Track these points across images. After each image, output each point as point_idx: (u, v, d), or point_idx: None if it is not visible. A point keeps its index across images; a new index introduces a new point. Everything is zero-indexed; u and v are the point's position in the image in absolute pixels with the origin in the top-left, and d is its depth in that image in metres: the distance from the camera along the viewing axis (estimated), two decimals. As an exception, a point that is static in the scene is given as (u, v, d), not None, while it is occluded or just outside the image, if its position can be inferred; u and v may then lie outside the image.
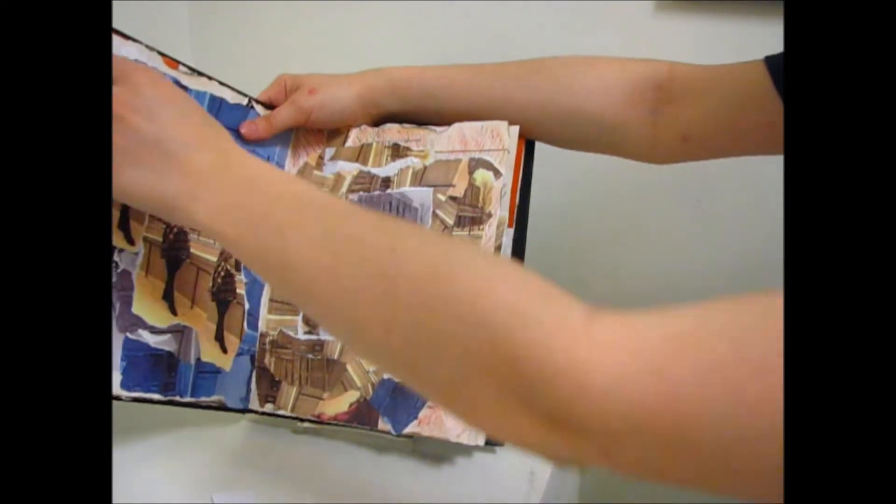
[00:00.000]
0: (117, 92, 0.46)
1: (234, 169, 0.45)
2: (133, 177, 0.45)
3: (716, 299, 0.34)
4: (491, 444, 0.57)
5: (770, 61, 0.54)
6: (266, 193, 0.44)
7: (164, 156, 0.45)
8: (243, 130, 0.63)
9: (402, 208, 0.61)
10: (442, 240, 0.45)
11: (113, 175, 0.45)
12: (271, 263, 0.43)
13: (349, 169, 0.64)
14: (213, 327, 0.61)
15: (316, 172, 0.65)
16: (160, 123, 0.46)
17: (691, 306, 0.34)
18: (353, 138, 0.65)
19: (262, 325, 0.64)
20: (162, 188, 0.45)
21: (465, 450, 0.58)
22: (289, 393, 0.62)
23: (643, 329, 0.33)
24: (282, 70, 0.67)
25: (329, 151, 0.66)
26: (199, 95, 0.61)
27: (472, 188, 0.59)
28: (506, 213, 0.59)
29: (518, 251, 0.59)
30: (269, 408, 0.63)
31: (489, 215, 0.58)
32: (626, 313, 0.34)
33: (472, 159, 0.60)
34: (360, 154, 0.64)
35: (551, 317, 0.34)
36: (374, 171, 0.63)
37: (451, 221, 0.59)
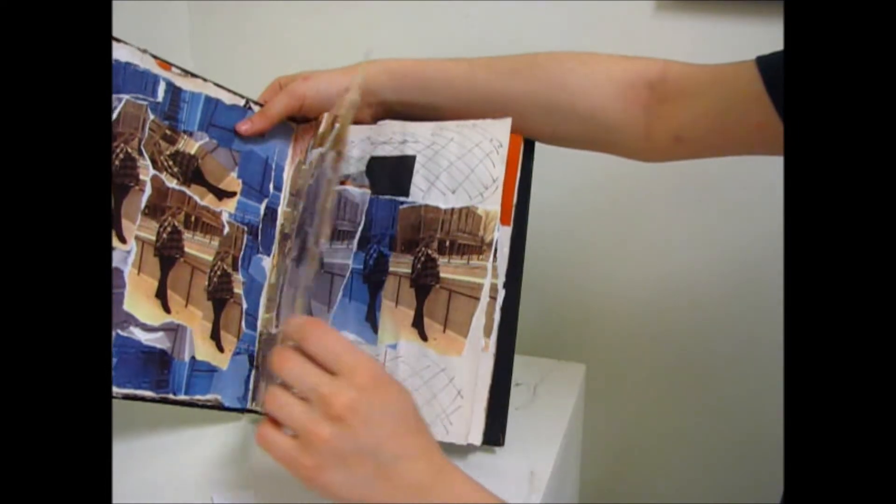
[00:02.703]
0: (340, 389, 0.45)
1: (439, 490, 0.45)
2: (339, 479, 0.45)
3: None
4: (490, 443, 0.57)
5: (761, 62, 0.54)
6: None
7: (377, 466, 0.45)
8: (241, 129, 0.63)
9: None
10: None
11: (312, 469, 0.45)
12: None
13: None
14: (209, 326, 0.61)
15: (303, 167, 0.66)
16: (380, 434, 0.45)
17: None
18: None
19: (260, 325, 0.64)
20: (369, 496, 0.45)
21: (464, 449, 0.58)
22: (288, 393, 0.62)
23: None
24: (282, 70, 0.67)
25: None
26: (195, 97, 0.61)
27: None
28: (497, 209, 0.59)
29: (516, 250, 0.59)
30: (268, 408, 0.63)
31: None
32: None
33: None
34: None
35: None
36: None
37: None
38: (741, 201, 0.84)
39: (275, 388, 0.47)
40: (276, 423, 0.46)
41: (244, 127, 0.63)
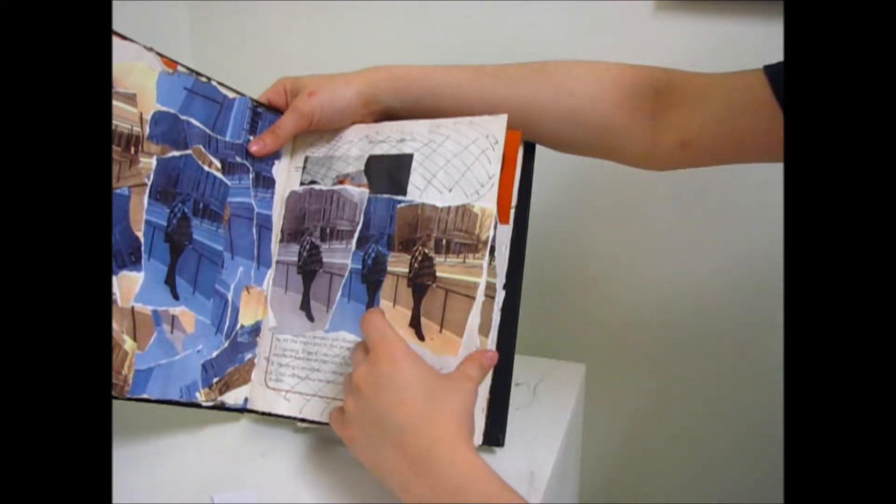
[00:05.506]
0: (360, 364, 0.52)
1: (438, 465, 0.47)
2: (363, 445, 0.51)
3: None
4: (490, 443, 0.57)
5: (769, 70, 0.54)
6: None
7: (383, 433, 0.49)
8: (252, 149, 0.63)
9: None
10: None
11: (347, 438, 0.52)
12: None
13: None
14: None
15: None
16: (383, 402, 0.50)
17: None
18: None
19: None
20: (380, 461, 0.50)
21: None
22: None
23: None
24: (282, 70, 0.67)
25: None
26: None
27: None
28: (493, 206, 0.59)
29: (517, 251, 0.59)
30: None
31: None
32: None
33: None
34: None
35: None
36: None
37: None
38: (742, 202, 0.84)
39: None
40: None
41: (255, 147, 0.63)
